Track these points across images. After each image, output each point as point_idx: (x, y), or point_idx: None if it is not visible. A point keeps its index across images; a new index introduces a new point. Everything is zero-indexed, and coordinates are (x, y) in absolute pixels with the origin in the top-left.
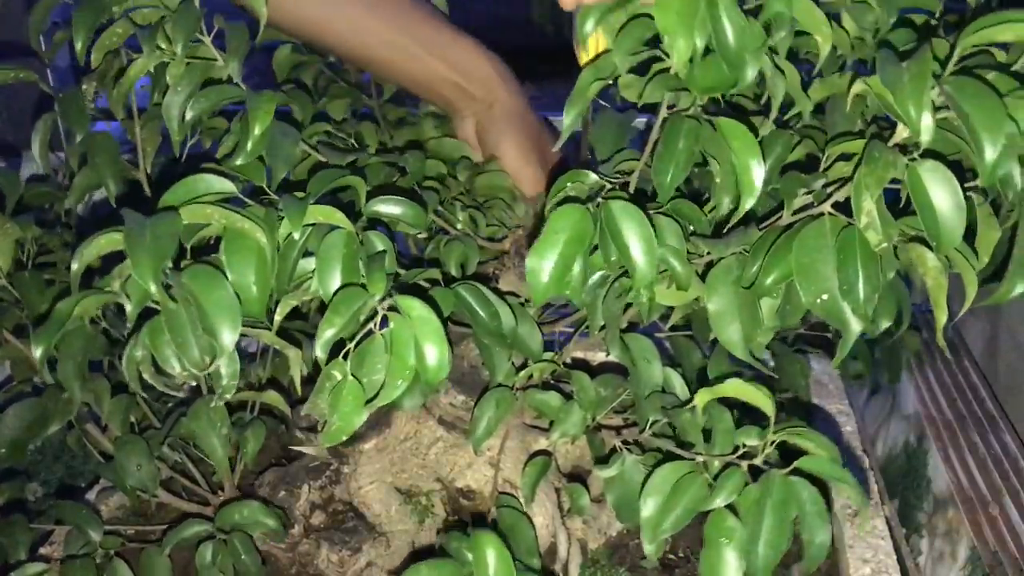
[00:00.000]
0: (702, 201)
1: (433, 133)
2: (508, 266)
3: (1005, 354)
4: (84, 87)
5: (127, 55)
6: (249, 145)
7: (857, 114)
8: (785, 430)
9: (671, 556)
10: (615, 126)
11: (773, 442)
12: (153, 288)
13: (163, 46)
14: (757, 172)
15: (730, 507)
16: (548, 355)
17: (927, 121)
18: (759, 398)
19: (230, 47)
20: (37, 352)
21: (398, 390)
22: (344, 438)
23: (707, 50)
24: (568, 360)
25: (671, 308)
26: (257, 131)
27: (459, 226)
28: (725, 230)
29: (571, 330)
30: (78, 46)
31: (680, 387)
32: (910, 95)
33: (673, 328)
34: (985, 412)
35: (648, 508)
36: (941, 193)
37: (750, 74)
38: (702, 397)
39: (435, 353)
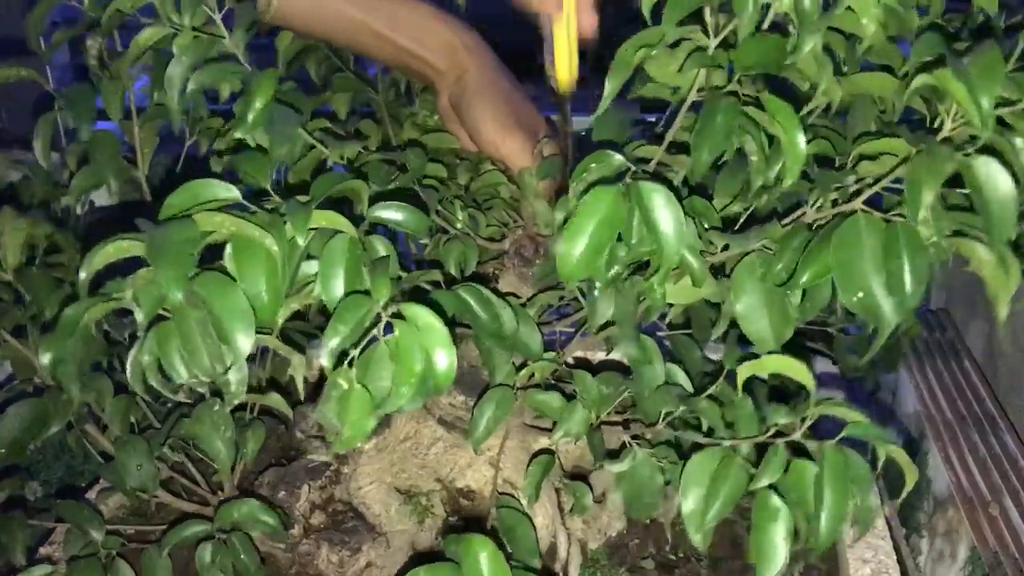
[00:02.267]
0: (709, 198)
1: (414, 134)
2: (508, 266)
3: (1005, 354)
4: (89, 42)
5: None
6: (250, 116)
7: (873, 115)
8: (822, 403)
9: (671, 556)
10: (616, 123)
11: (813, 417)
12: (179, 296)
13: (173, 17)
14: (802, 145)
15: (772, 487)
16: (549, 355)
17: (993, 115)
18: (799, 371)
19: (237, 21)
20: (45, 359)
21: (404, 397)
22: (355, 446)
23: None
24: (569, 360)
25: (671, 306)
26: (258, 104)
27: (458, 226)
28: (736, 226)
29: (571, 330)
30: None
31: (684, 382)
32: (982, 88)
33: (672, 327)
34: (985, 412)
35: (690, 501)
36: (998, 185)
37: (807, 47)
38: (744, 372)
39: (445, 359)
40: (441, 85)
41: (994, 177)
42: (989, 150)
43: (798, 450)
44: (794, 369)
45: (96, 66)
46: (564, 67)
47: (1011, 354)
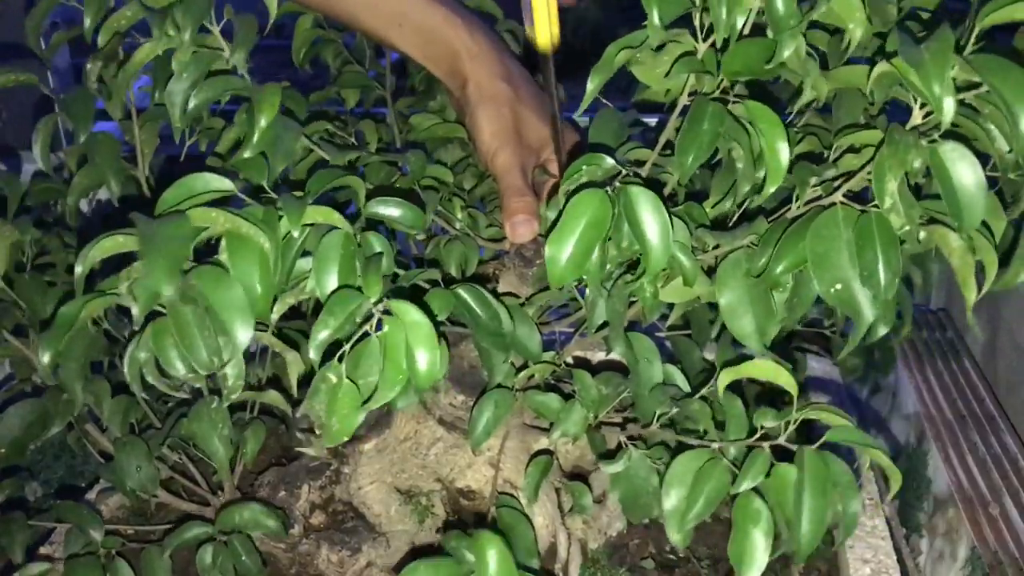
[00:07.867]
0: (703, 201)
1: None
2: (508, 266)
3: (1005, 354)
4: (89, 67)
5: (128, 47)
6: (255, 138)
7: (861, 109)
8: (806, 408)
9: (671, 556)
10: (615, 124)
11: (796, 420)
12: (170, 291)
13: (171, 33)
14: (783, 154)
15: (754, 490)
16: (548, 355)
17: (949, 100)
18: (782, 376)
19: (238, 38)
20: (45, 358)
21: (392, 392)
22: (344, 439)
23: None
24: (569, 360)
25: (670, 307)
26: (263, 123)
27: (458, 225)
28: (731, 223)
29: (571, 330)
30: (87, 23)
31: (682, 382)
32: (933, 73)
33: (672, 328)
34: (985, 412)
35: (672, 499)
36: (963, 172)
37: (786, 52)
38: (725, 377)
39: (426, 359)
40: (448, 83)
41: (959, 163)
42: (958, 136)
43: (787, 452)
44: (775, 374)
45: (96, 89)
46: (544, 29)
47: (1011, 354)
